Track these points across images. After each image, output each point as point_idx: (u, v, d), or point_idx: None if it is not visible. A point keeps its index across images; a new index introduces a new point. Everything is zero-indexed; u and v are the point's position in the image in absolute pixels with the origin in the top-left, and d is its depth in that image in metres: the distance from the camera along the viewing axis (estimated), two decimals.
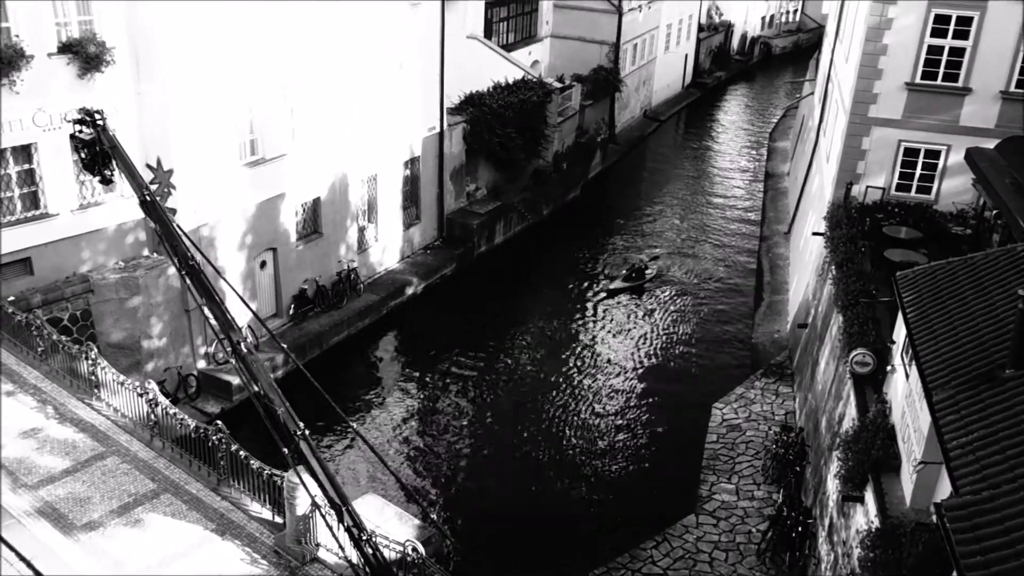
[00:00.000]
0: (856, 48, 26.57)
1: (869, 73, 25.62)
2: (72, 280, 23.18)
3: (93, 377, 18.69)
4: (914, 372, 15.23)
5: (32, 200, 22.40)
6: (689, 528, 21.74)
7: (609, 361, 29.92)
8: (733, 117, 61.07)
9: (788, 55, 76.16)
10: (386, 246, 33.58)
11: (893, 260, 23.09)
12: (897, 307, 17.20)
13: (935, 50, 24.72)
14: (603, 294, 34.28)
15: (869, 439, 16.77)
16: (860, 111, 26.14)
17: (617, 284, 34.60)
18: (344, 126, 29.51)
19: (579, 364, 29.73)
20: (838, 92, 30.41)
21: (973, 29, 24.17)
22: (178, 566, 14.78)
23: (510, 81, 38.77)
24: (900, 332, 17.56)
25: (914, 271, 17.43)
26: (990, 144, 23.36)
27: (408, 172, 33.93)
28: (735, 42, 71.63)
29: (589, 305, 33.69)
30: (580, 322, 32.46)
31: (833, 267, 23.61)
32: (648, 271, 35.40)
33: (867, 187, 26.65)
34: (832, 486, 18.60)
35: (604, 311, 33.17)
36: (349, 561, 12.21)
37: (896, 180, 26.60)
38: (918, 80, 25.17)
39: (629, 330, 31.92)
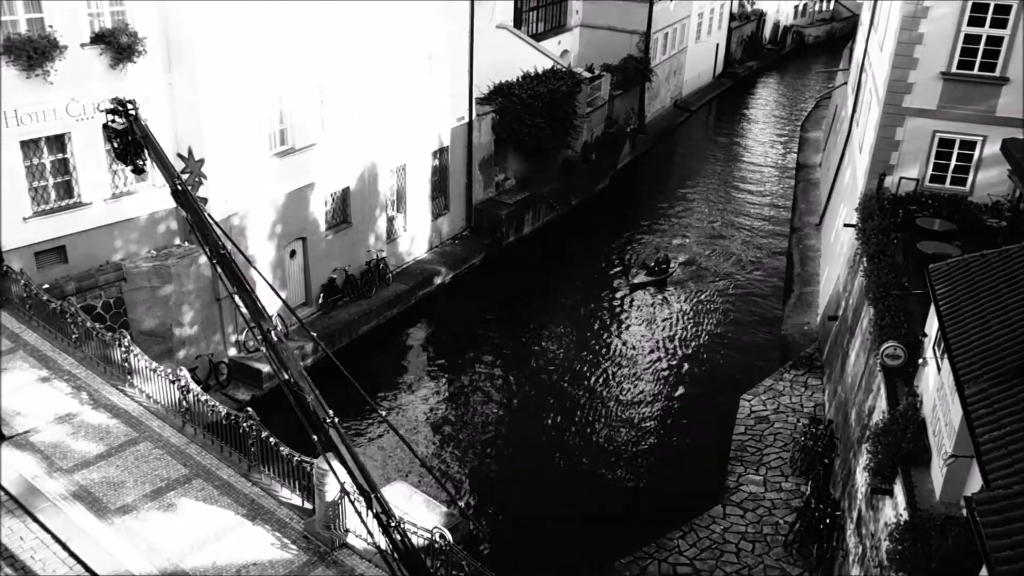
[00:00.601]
0: (891, 37, 26.25)
1: (904, 62, 25.29)
2: (105, 268, 23.48)
3: (126, 364, 18.93)
4: (946, 365, 15.08)
5: (66, 189, 22.70)
6: (716, 519, 21.69)
7: (637, 351, 29.87)
8: (764, 107, 60.60)
9: (821, 44, 75.43)
10: (415, 236, 33.69)
11: (926, 252, 22.84)
12: (929, 300, 17.03)
13: (972, 39, 24.35)
14: (626, 288, 34.13)
15: (899, 432, 16.64)
16: (894, 101, 25.82)
17: (640, 278, 34.39)
18: (373, 116, 29.61)
19: (607, 354, 29.72)
20: (872, 82, 30.07)
21: (1011, 17, 23.76)
22: (210, 550, 14.97)
23: (539, 71, 38.71)
24: (932, 325, 17.38)
25: (947, 263, 17.24)
26: None
27: (437, 162, 34.00)
28: (767, 31, 71.05)
29: (617, 295, 33.64)
30: (608, 312, 32.42)
31: (865, 259, 23.39)
32: (672, 265, 35.15)
33: (900, 178, 26.35)
34: (861, 479, 18.48)
35: (632, 301, 33.10)
36: (377, 547, 12.28)
37: (930, 171, 26.27)
38: (954, 69, 24.81)
39: (657, 320, 31.85)
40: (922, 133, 25.83)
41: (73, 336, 19.92)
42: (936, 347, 16.68)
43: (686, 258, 36.14)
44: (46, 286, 21.56)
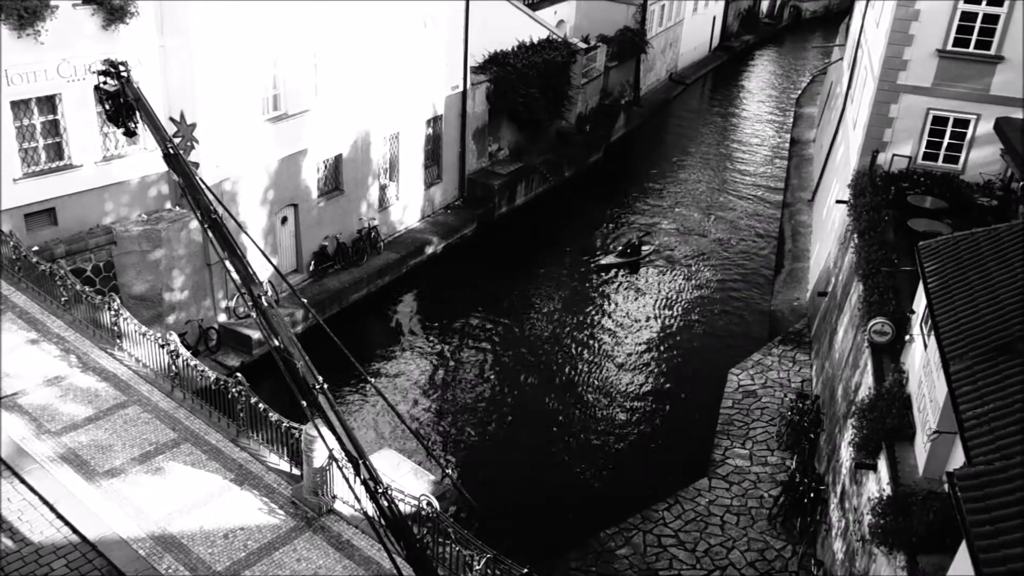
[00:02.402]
0: (887, 13, 26.14)
1: (900, 39, 25.22)
2: (95, 232, 23.38)
3: (115, 328, 18.91)
4: (932, 342, 15.18)
5: (56, 151, 22.55)
6: (702, 491, 21.88)
7: (627, 323, 29.96)
8: (760, 82, 60.43)
9: (818, 19, 75.12)
10: (407, 205, 33.61)
11: (917, 230, 22.89)
12: (918, 277, 17.11)
13: (968, 16, 24.28)
14: (593, 267, 33.18)
15: (885, 408, 16.79)
16: (889, 77, 25.77)
17: (609, 259, 33.50)
18: (367, 83, 29.42)
19: (597, 326, 29.80)
20: (867, 58, 29.99)
21: None
22: (197, 514, 15.04)
23: (535, 41, 38.47)
24: (920, 302, 17.48)
25: (937, 241, 17.30)
26: (1021, 114, 23.01)
27: (431, 131, 33.86)
28: (764, 5, 70.62)
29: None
30: (599, 285, 32.46)
31: (855, 235, 23.46)
32: (645, 247, 34.29)
33: (893, 155, 26.36)
34: (845, 454, 18.65)
35: (623, 274, 33.13)
36: (365, 513, 12.35)
37: (923, 149, 26.27)
38: (950, 47, 24.75)
39: (648, 294, 31.92)
40: (916, 110, 25.82)
41: (62, 299, 19.88)
42: (923, 324, 16.79)
43: (653, 244, 35.11)
44: (36, 248, 21.48)
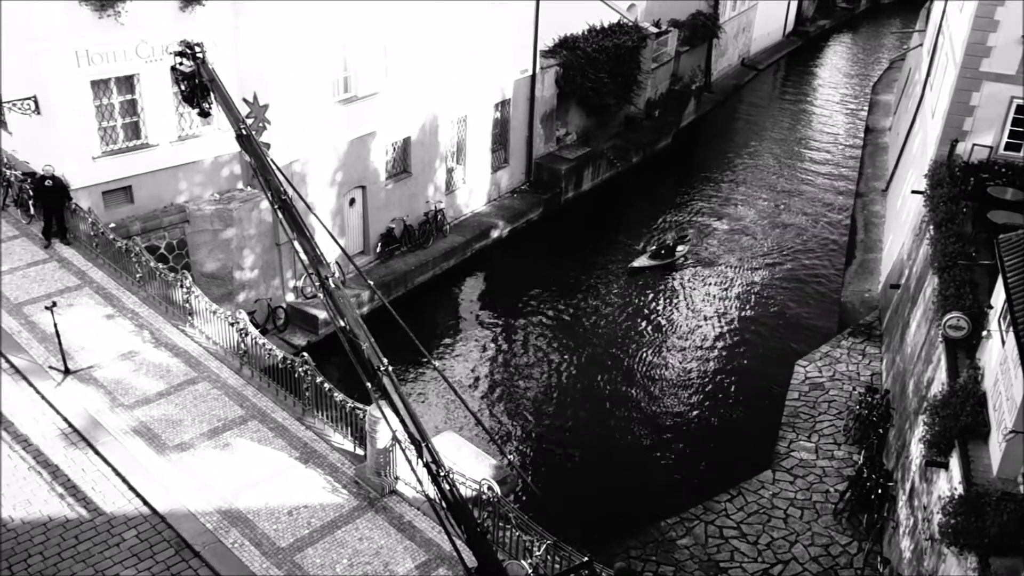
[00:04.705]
0: None
1: (984, 25, 24.35)
2: (169, 210, 23.87)
3: (187, 305, 19.30)
4: (1011, 339, 14.71)
5: (134, 130, 23.04)
6: (765, 484, 21.59)
7: (692, 313, 29.63)
8: (835, 68, 59.08)
9: (898, 3, 72.93)
10: (473, 188, 33.65)
11: (996, 222, 22.19)
12: (997, 271, 16.58)
13: None
14: (623, 274, 31.68)
15: (958, 405, 16.33)
16: (972, 65, 24.92)
17: (642, 261, 31.86)
18: (436, 66, 29.47)
19: (662, 314, 29.54)
20: (949, 44, 29.07)
21: None
22: (263, 490, 15.31)
23: (605, 25, 38.12)
24: (999, 297, 16.93)
25: (1018, 234, 16.76)
26: None
27: (498, 115, 33.80)
28: None
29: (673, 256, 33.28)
30: (665, 273, 32.10)
31: (931, 227, 22.82)
32: (679, 248, 32.65)
33: (973, 145, 25.53)
34: (916, 450, 18.21)
35: (689, 261, 32.74)
36: (426, 495, 12.46)
37: (1005, 139, 25.38)
38: None
39: (713, 283, 31.51)
40: (999, 99, 24.92)
41: (137, 275, 20.34)
42: (1001, 320, 16.27)
43: (689, 244, 33.38)
44: (112, 225, 21.99)
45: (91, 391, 17.20)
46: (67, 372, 17.45)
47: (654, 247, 32.68)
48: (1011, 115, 25.07)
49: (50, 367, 17.55)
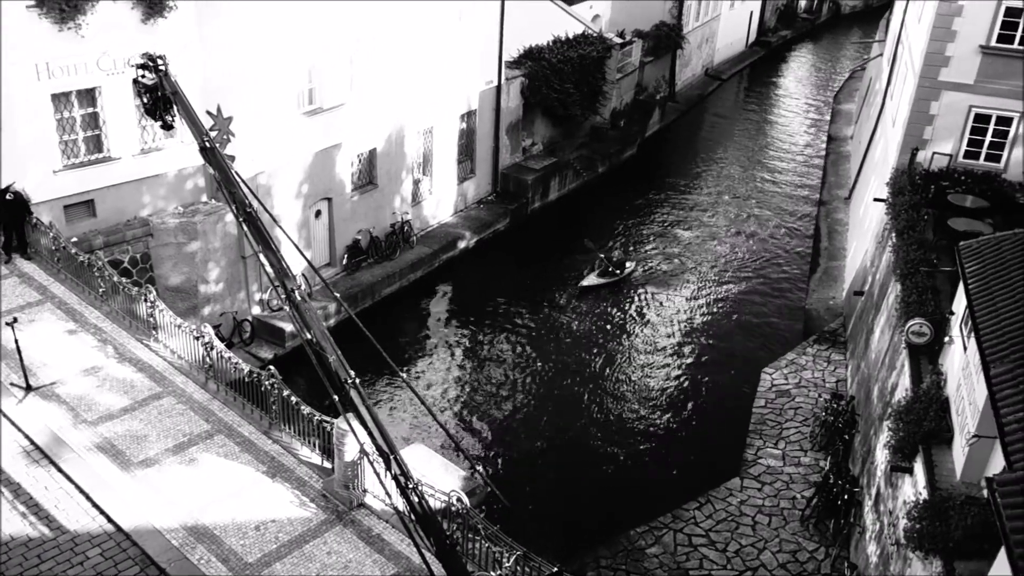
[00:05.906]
0: (929, 8, 25.73)
1: (942, 35, 24.80)
2: (133, 224, 23.62)
3: (151, 319, 19.09)
4: (972, 344, 14.92)
5: (95, 143, 22.79)
6: (733, 491, 21.72)
7: (659, 321, 29.79)
8: (797, 78, 59.78)
9: (858, 14, 74.17)
10: (440, 199, 33.63)
11: (957, 229, 22.54)
12: (958, 277, 16.83)
13: (1013, 12, 23.80)
14: (574, 291, 31.08)
15: (922, 410, 16.54)
16: (930, 74, 25.36)
17: (591, 280, 31.36)
18: (402, 77, 29.45)
19: (629, 322, 29.66)
20: (908, 54, 29.55)
21: None
22: (230, 505, 15.15)
23: (570, 35, 38.31)
24: (960, 303, 17.19)
25: (978, 241, 17.01)
26: None
27: (464, 125, 33.84)
28: (803, 1, 69.83)
29: (643, 265, 33.45)
30: (631, 281, 32.25)
31: (894, 234, 23.13)
32: (628, 264, 32.21)
33: (933, 153, 25.95)
34: (881, 456, 18.41)
35: (656, 270, 32.92)
36: (395, 508, 12.39)
37: (964, 147, 25.83)
38: (993, 43, 24.31)
39: (680, 290, 31.69)
40: (958, 108, 25.38)
41: (100, 290, 20.10)
42: (963, 326, 16.51)
43: (634, 264, 32.87)
44: (74, 239, 21.72)
45: (53, 408, 16.95)
46: (29, 389, 17.18)
47: (601, 266, 31.94)
48: (970, 123, 25.54)
49: (11, 384, 17.27)
